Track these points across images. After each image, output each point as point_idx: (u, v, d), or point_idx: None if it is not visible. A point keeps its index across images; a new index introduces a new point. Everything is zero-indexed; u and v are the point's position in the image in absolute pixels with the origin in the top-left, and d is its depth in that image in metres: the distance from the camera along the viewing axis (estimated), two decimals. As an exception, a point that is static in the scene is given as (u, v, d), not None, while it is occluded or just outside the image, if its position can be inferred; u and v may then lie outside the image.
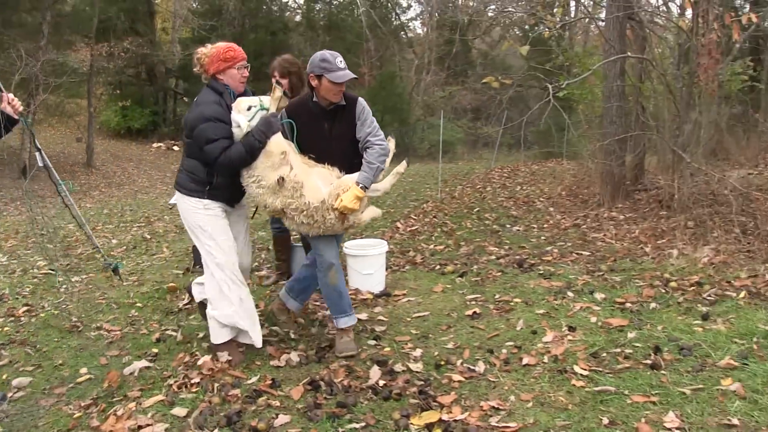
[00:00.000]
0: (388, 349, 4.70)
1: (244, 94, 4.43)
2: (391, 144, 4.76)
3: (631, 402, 3.62)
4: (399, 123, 24.12)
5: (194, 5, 32.42)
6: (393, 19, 32.30)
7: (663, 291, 5.64)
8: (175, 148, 28.75)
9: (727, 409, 3.48)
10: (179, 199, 4.48)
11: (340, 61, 4.37)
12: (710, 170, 8.62)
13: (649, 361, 4.13)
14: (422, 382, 4.05)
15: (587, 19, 14.00)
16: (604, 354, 4.32)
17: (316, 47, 27.48)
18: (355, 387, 4.05)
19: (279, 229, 6.16)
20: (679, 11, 11.06)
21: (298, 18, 33.65)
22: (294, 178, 4.28)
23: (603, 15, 10.50)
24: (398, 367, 4.31)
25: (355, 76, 4.65)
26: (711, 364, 4.05)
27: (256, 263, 7.42)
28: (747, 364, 3.99)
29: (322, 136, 4.52)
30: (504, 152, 19.96)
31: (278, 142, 4.28)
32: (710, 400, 3.58)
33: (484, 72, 26.26)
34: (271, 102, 4.34)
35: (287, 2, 33.35)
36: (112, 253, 9.00)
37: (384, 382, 4.09)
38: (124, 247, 9.54)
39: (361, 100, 4.61)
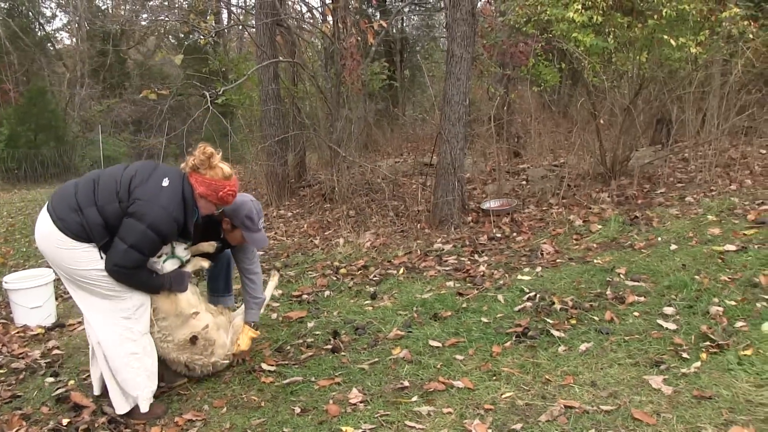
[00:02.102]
0: (71, 382, 4.28)
1: None
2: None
3: (319, 387, 3.78)
4: (55, 141, 22.23)
5: None
6: (37, 30, 29.68)
7: (335, 278, 5.98)
8: None
9: (399, 374, 3.80)
10: (64, 243, 3.50)
11: (262, 222, 4.18)
12: (363, 162, 9.31)
13: (329, 346, 4.35)
14: (111, 410, 3.73)
15: (239, 26, 14.21)
16: (288, 347, 4.45)
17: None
18: None
19: None
20: (321, 18, 11.72)
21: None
22: (206, 335, 3.95)
23: (254, 22, 10.73)
24: (83, 401, 3.91)
25: (268, 245, 4.35)
26: (383, 338, 4.40)
27: None
28: (411, 332, 4.41)
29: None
30: (170, 163, 19.51)
31: (189, 300, 3.89)
32: (385, 370, 3.88)
33: (142, 83, 25.37)
34: (190, 257, 3.98)
35: None
36: None
37: (68, 420, 3.74)
38: None
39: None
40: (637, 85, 7.77)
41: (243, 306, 4.45)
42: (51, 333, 5.45)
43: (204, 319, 3.98)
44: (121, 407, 3.66)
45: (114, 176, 3.53)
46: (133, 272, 3.52)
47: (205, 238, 4.15)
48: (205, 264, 4.13)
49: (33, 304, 5.56)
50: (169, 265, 3.79)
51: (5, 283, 5.63)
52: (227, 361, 4.16)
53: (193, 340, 3.90)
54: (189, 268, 3.97)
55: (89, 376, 4.29)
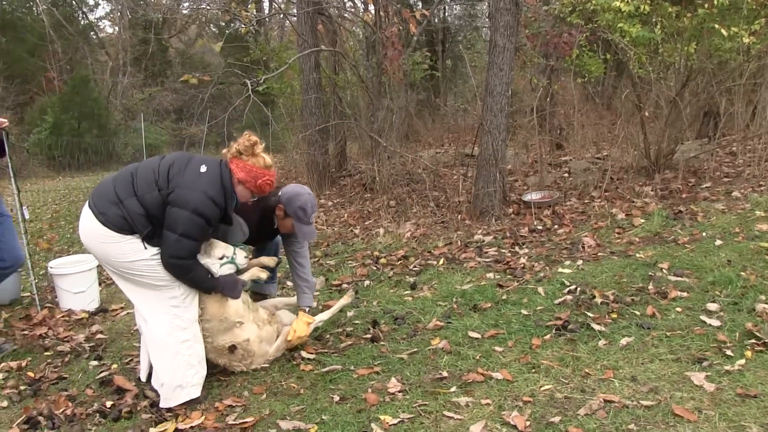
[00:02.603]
0: (114, 366, 4.38)
1: None
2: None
3: (357, 376, 3.79)
4: (98, 129, 22.59)
5: None
6: (80, 19, 30.17)
7: (374, 268, 6.01)
8: None
9: (438, 364, 3.81)
10: (104, 235, 3.59)
11: (314, 216, 4.24)
12: (404, 152, 9.32)
13: (369, 336, 4.38)
14: (154, 394, 3.83)
15: (281, 15, 14.28)
16: (328, 335, 4.48)
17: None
18: (80, 414, 3.70)
19: None
20: (363, 6, 11.73)
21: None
22: (246, 347, 3.98)
23: (295, 11, 10.78)
24: (126, 384, 4.00)
25: (315, 239, 4.47)
26: (422, 328, 4.41)
27: None
28: (450, 323, 4.42)
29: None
30: (212, 151, 19.73)
31: (237, 309, 3.91)
32: (424, 360, 3.89)
33: (183, 71, 25.64)
34: (248, 263, 4.03)
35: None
36: None
37: (111, 402, 3.82)
38: None
39: None
40: (685, 76, 7.63)
41: (290, 298, 4.51)
42: (94, 318, 5.55)
43: (248, 331, 3.97)
44: (170, 399, 3.69)
45: (151, 166, 3.60)
46: (189, 264, 3.58)
47: (260, 229, 4.24)
48: (263, 275, 4.16)
49: (77, 289, 5.66)
50: (225, 270, 3.84)
51: (50, 268, 5.76)
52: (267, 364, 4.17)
53: (232, 348, 3.93)
54: (246, 277, 4.02)
55: (132, 360, 4.42)
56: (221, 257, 3.82)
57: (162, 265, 3.57)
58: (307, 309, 4.39)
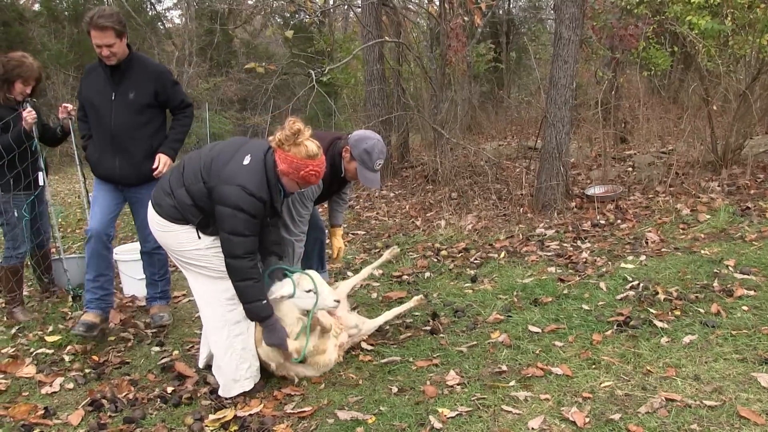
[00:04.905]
0: (176, 352, 4.48)
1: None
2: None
3: (416, 368, 3.84)
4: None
5: None
6: (148, 10, 30.85)
7: (435, 260, 6.07)
8: None
9: (497, 358, 3.84)
10: (159, 224, 3.73)
11: (379, 163, 4.08)
12: (467, 144, 9.33)
13: (428, 328, 4.42)
14: (214, 380, 3.89)
15: (345, 6, 14.38)
16: (387, 327, 4.52)
17: (62, 40, 25.61)
18: (142, 398, 3.81)
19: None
20: (427, -2, 11.74)
21: (36, 7, 30.79)
22: (293, 367, 3.89)
23: (359, 2, 10.86)
24: (187, 371, 4.10)
25: (380, 187, 4.59)
26: (482, 321, 4.46)
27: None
28: (510, 316, 4.45)
29: (326, 192, 4.42)
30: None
31: (293, 345, 3.77)
32: (483, 354, 3.93)
33: (248, 61, 25.93)
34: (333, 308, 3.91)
35: (19, -12, 30.26)
36: None
37: (172, 388, 3.92)
38: None
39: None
40: (756, 69, 7.44)
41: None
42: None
43: (297, 347, 3.78)
44: (226, 390, 3.75)
45: (199, 156, 3.63)
46: (246, 266, 3.49)
47: (331, 179, 4.19)
48: (326, 327, 3.91)
49: (140, 275, 5.62)
50: (307, 302, 3.74)
51: (115, 254, 5.80)
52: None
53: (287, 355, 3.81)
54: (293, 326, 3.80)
55: (193, 346, 4.53)
56: (309, 291, 3.72)
57: (217, 257, 3.61)
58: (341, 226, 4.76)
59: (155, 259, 5.01)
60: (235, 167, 3.46)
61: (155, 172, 4.57)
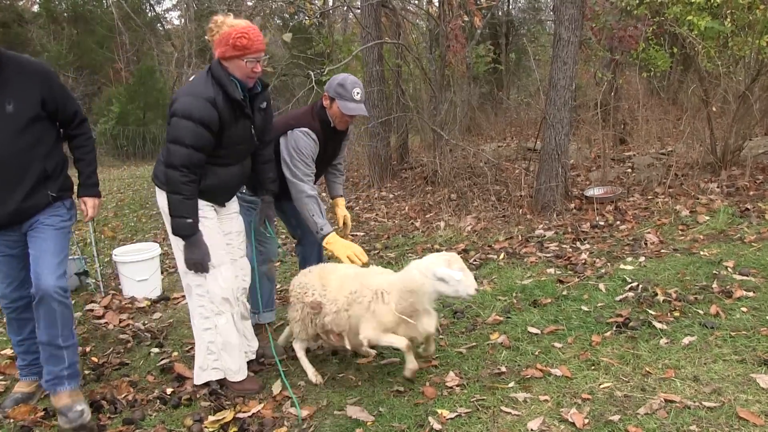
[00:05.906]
0: (175, 354, 4.48)
1: (254, 88, 3.65)
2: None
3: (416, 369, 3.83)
4: (163, 119, 23.05)
5: None
6: (147, 11, 30.87)
7: (434, 261, 6.05)
8: None
9: (496, 359, 3.85)
10: (159, 194, 3.70)
11: (357, 92, 3.96)
12: (466, 145, 9.33)
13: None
14: (214, 382, 3.90)
15: (345, 7, 14.38)
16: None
17: (62, 41, 25.64)
18: (142, 400, 3.81)
19: None
20: (427, -1, 11.76)
21: (35, 8, 30.76)
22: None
23: (359, 3, 10.87)
24: (186, 372, 4.08)
25: (367, 115, 4.41)
26: (481, 322, 4.46)
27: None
28: (510, 317, 4.46)
29: (321, 158, 4.18)
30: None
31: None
32: (482, 355, 3.94)
33: (248, 62, 25.86)
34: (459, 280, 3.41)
35: (19, -11, 30.17)
36: None
37: (172, 389, 3.92)
38: None
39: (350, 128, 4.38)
40: (755, 70, 7.45)
41: None
42: (156, 305, 5.69)
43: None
44: (196, 377, 3.85)
45: None
46: (177, 175, 3.41)
47: (326, 142, 4.13)
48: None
49: (140, 276, 5.80)
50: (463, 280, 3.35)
51: (114, 255, 5.92)
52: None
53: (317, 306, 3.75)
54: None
55: (192, 348, 4.45)
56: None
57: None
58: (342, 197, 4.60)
59: (52, 309, 3.42)
60: (183, 87, 3.58)
61: (86, 218, 3.87)
